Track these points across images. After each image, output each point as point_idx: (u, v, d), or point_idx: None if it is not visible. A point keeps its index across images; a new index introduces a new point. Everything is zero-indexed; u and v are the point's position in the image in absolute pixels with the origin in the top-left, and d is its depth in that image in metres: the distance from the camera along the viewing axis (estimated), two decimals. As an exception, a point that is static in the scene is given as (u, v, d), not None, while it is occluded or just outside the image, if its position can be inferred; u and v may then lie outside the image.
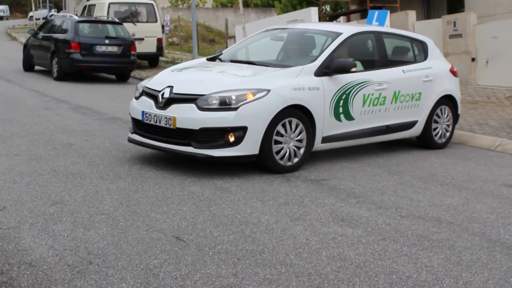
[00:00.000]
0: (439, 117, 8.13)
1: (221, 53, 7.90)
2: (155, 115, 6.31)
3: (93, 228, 4.48)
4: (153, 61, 19.77)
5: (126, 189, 5.56)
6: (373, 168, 6.85)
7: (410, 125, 7.80)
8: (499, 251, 4.39)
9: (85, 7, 20.49)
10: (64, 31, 15.46)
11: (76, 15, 18.28)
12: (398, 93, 7.51)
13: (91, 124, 9.01)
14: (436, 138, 8.14)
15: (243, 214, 4.97)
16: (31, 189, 5.45)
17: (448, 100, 8.23)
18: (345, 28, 7.71)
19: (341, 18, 23.37)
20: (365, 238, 4.53)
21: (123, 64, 15.71)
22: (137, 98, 6.79)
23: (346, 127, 6.97)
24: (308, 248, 4.27)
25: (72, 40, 14.94)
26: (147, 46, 18.73)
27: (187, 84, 6.51)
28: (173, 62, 20.33)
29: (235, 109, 6.04)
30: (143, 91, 6.72)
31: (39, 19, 45.79)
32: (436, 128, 8.12)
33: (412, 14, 16.71)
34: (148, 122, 6.42)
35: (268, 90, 6.20)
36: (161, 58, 20.61)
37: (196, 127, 6.05)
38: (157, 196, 5.37)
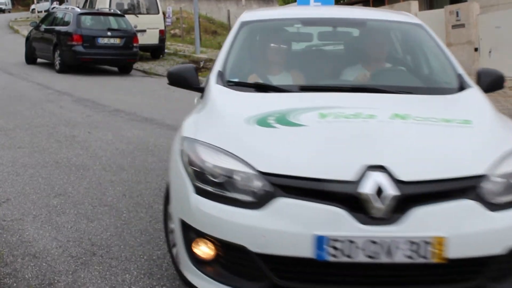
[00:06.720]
0: None
1: (222, 73, 3.83)
2: (367, 241, 2.64)
3: (96, 219, 4.50)
4: (155, 53, 19.75)
5: (129, 180, 5.57)
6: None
7: None
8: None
9: (87, -1, 20.50)
10: (66, 23, 15.47)
11: (78, 7, 18.28)
12: None
13: (94, 116, 9.01)
14: None
15: (246, 205, 4.96)
16: (34, 181, 5.46)
17: None
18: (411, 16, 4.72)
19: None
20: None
21: (126, 56, 15.73)
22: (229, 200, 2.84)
23: None
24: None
25: (74, 32, 14.95)
26: (149, 38, 18.72)
27: (406, 154, 2.87)
28: (176, 53, 20.30)
29: None
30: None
31: (41, 11, 45.67)
32: None
33: (414, 4, 16.69)
34: (339, 260, 2.65)
35: None
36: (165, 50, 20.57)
37: (498, 250, 2.75)
38: (160, 187, 5.37)
